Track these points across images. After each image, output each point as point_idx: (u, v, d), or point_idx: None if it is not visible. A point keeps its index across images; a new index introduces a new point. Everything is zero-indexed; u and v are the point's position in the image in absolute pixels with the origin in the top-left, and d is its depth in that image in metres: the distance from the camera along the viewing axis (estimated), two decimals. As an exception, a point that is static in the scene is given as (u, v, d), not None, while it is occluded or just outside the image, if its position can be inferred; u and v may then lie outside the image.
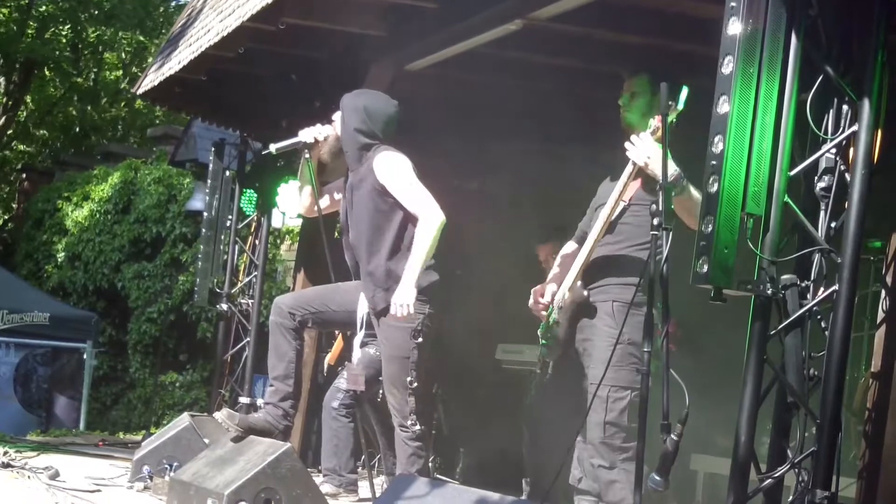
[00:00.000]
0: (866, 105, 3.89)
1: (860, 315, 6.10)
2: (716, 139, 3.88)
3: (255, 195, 10.65)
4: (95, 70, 25.64)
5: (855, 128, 3.93)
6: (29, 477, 6.87)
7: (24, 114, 24.47)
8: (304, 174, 5.94)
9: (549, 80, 8.17)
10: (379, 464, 7.25)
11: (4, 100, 22.58)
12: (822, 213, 4.01)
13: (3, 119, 22.19)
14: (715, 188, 3.84)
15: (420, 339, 5.53)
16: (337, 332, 6.77)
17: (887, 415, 4.30)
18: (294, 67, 8.98)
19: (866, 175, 3.87)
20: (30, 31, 21.22)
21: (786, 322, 3.97)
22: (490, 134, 9.00)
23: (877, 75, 3.90)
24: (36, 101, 24.62)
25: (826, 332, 3.92)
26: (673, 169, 4.73)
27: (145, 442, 7.36)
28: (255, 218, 10.97)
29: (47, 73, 23.59)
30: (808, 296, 3.99)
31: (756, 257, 3.92)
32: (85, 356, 14.24)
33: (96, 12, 23.03)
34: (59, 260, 16.94)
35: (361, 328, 5.78)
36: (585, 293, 5.06)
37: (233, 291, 10.89)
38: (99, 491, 6.54)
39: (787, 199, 3.97)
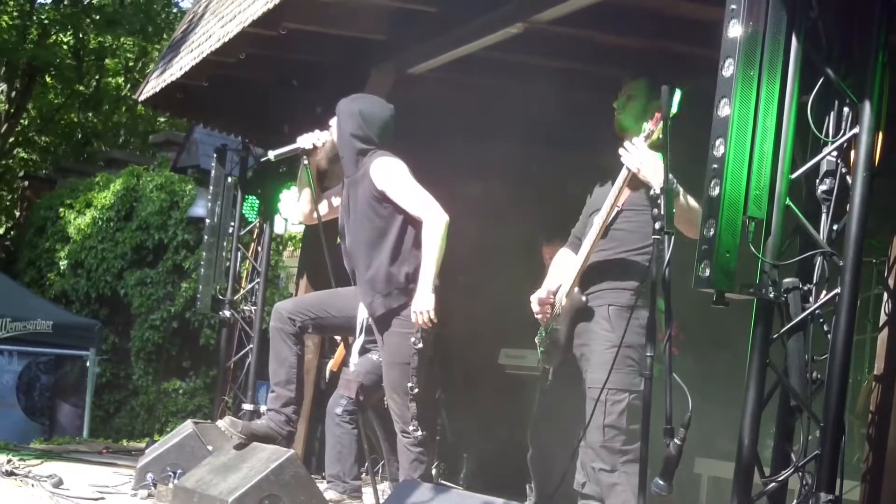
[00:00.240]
0: (867, 107, 3.89)
1: (863, 318, 6.09)
2: (717, 142, 3.88)
3: (258, 201, 10.64)
4: (97, 77, 25.66)
5: (856, 130, 3.93)
6: (32, 485, 6.86)
7: (27, 121, 24.49)
8: (302, 180, 5.94)
9: (551, 83, 8.16)
10: (383, 470, 7.24)
11: (6, 107, 22.60)
12: (823, 216, 4.01)
13: (5, 126, 22.21)
14: (716, 192, 3.84)
15: (420, 345, 5.53)
16: (338, 337, 6.77)
17: (890, 417, 4.29)
18: (295, 73, 8.98)
19: (867, 177, 3.87)
20: (31, 38, 21.24)
21: (788, 325, 3.96)
22: (491, 137, 9.00)
23: (878, 77, 3.89)
24: (38, 108, 24.64)
25: (828, 336, 3.91)
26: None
27: (149, 449, 7.36)
28: (258, 224, 10.97)
29: (49, 80, 23.61)
30: (811, 299, 3.98)
31: (758, 261, 3.92)
32: (88, 364, 14.25)
33: (98, 17, 23.05)
34: (62, 267, 16.95)
35: (360, 334, 5.78)
36: (584, 299, 5.06)
37: (235, 298, 10.88)
38: (103, 499, 6.55)
39: (788, 202, 3.96)
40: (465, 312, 9.06)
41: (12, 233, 22.10)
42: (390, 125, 5.74)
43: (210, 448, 6.52)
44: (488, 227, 9.27)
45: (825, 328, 3.95)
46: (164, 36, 22.62)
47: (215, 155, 10.87)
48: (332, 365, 7.45)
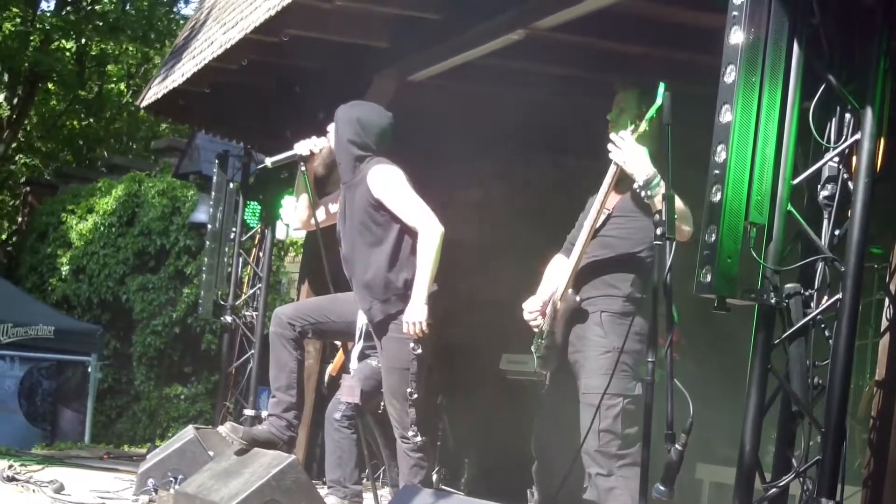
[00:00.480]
0: (869, 113, 3.89)
1: (864, 323, 6.08)
2: (718, 148, 3.88)
3: (259, 207, 10.66)
4: (99, 83, 25.67)
5: (858, 136, 3.93)
6: (34, 491, 6.88)
7: (29, 127, 24.50)
8: (300, 187, 5.95)
9: (551, 90, 8.18)
10: (383, 475, 7.24)
11: (9, 113, 22.62)
12: (825, 222, 4.01)
13: (8, 132, 22.22)
14: (718, 197, 3.84)
15: (420, 350, 5.53)
16: (339, 342, 6.78)
17: (892, 423, 4.28)
18: (297, 79, 8.99)
19: (869, 183, 3.87)
20: (34, 44, 21.26)
21: (790, 331, 3.96)
22: (492, 144, 9.01)
23: (879, 83, 3.90)
24: (40, 114, 24.65)
25: (830, 341, 3.91)
26: (650, 171, 4.77)
27: (150, 455, 7.37)
28: (259, 230, 10.98)
29: (51, 86, 23.62)
30: (812, 304, 3.98)
31: (759, 266, 3.92)
32: (90, 369, 14.26)
33: (100, 24, 23.07)
34: (64, 273, 16.94)
35: (360, 339, 5.79)
36: (578, 299, 5.07)
37: (237, 304, 10.89)
38: (104, 504, 6.57)
39: (790, 207, 3.97)
40: (467, 318, 9.06)
41: (14, 238, 22.10)
42: (388, 132, 5.74)
43: (211, 453, 6.53)
44: (489, 232, 9.28)
45: (826, 334, 3.96)
46: (167, 42, 22.64)
47: (217, 161, 10.89)
48: (331, 370, 7.45)
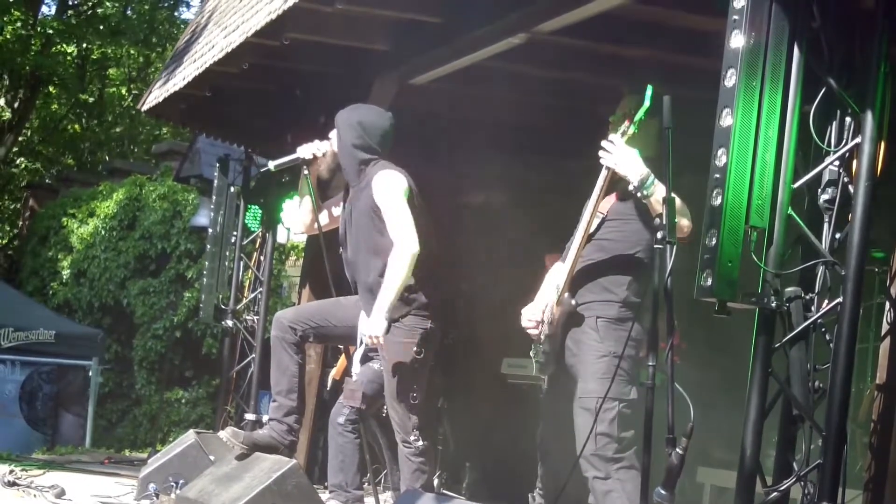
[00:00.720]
0: (869, 117, 3.89)
1: (865, 326, 6.08)
2: (719, 152, 3.88)
3: (260, 211, 10.66)
4: (100, 87, 25.68)
5: (858, 140, 3.93)
6: (35, 495, 6.88)
7: (30, 131, 24.51)
8: (303, 190, 5.95)
9: (553, 94, 8.18)
10: (385, 479, 7.24)
11: (10, 116, 22.62)
12: (825, 226, 4.01)
13: (9, 136, 22.23)
14: (718, 201, 3.84)
15: (421, 355, 5.53)
16: (340, 346, 6.78)
17: (893, 426, 4.29)
18: (298, 83, 9.00)
19: (870, 187, 3.87)
20: (34, 48, 21.27)
21: (790, 335, 3.97)
22: (494, 148, 9.01)
23: (879, 87, 3.90)
24: (41, 118, 24.66)
25: (831, 345, 3.91)
26: (643, 171, 4.78)
27: (151, 459, 7.36)
28: (260, 234, 10.98)
29: (52, 90, 23.64)
30: (813, 308, 3.99)
31: (760, 270, 3.92)
32: (90, 373, 14.24)
33: (102, 28, 23.08)
34: (65, 277, 16.94)
35: (361, 343, 5.78)
36: (574, 303, 5.08)
37: (238, 307, 10.89)
38: (104, 508, 6.57)
39: (790, 211, 3.97)
40: (467, 322, 9.07)
41: (15, 242, 22.11)
42: (390, 133, 5.74)
43: (212, 458, 6.52)
44: (490, 236, 9.28)
45: (827, 337, 3.96)
46: (167, 46, 22.67)
47: (218, 165, 10.89)
48: (334, 374, 7.45)
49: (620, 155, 4.87)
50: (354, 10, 7.02)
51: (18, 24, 20.10)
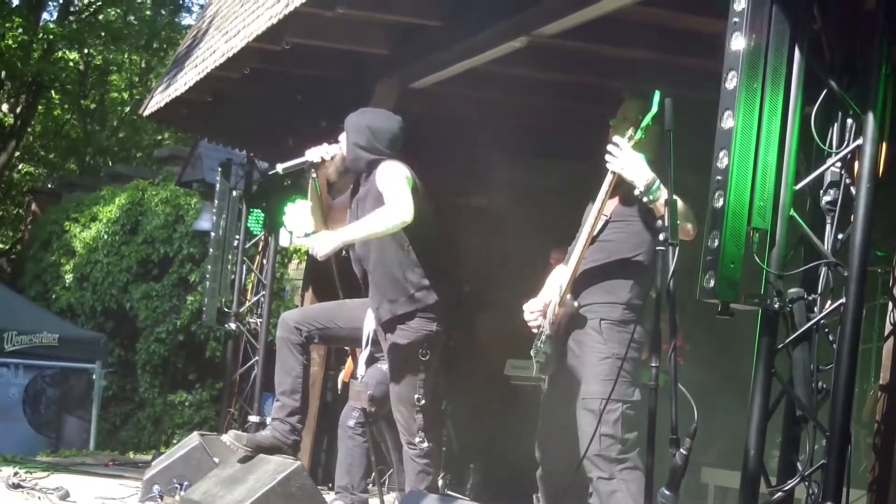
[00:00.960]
0: (871, 118, 3.90)
1: (868, 327, 6.09)
2: (721, 154, 3.89)
3: (262, 215, 10.67)
4: (102, 91, 25.70)
5: (860, 141, 3.93)
6: (39, 497, 6.89)
7: (32, 136, 24.53)
8: (311, 194, 5.95)
9: (555, 97, 8.19)
10: (390, 480, 7.25)
11: (12, 121, 22.64)
12: (828, 227, 4.01)
13: (12, 142, 22.25)
14: (720, 203, 3.85)
15: (427, 357, 5.54)
16: (346, 348, 6.79)
17: (896, 427, 4.29)
18: (300, 87, 9.01)
19: (871, 188, 3.87)
20: (36, 54, 21.29)
21: (793, 335, 3.97)
22: (496, 151, 9.02)
23: (881, 88, 3.90)
24: (44, 123, 24.68)
25: (834, 345, 3.92)
26: (649, 176, 4.80)
27: (155, 461, 7.38)
28: (263, 237, 10.99)
29: (54, 95, 23.66)
30: (816, 309, 3.99)
31: (763, 271, 3.93)
32: (94, 377, 14.26)
33: (103, 33, 23.11)
34: (68, 281, 16.96)
35: (367, 345, 5.79)
36: (576, 304, 5.09)
37: (241, 311, 10.91)
38: (109, 511, 6.58)
39: (792, 212, 3.97)
40: (471, 323, 9.08)
41: (18, 247, 22.13)
42: (399, 136, 5.75)
43: (216, 460, 6.54)
44: (493, 238, 9.30)
45: (830, 338, 3.96)
46: (169, 52, 22.68)
47: (220, 169, 10.91)
48: (343, 376, 7.46)
49: (627, 159, 4.89)
50: (355, 15, 7.03)
51: (20, 30, 20.12)
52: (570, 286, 5.13)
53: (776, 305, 3.94)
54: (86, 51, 23.61)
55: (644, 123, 4.88)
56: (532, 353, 5.32)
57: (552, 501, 5.39)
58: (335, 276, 5.90)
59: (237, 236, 10.84)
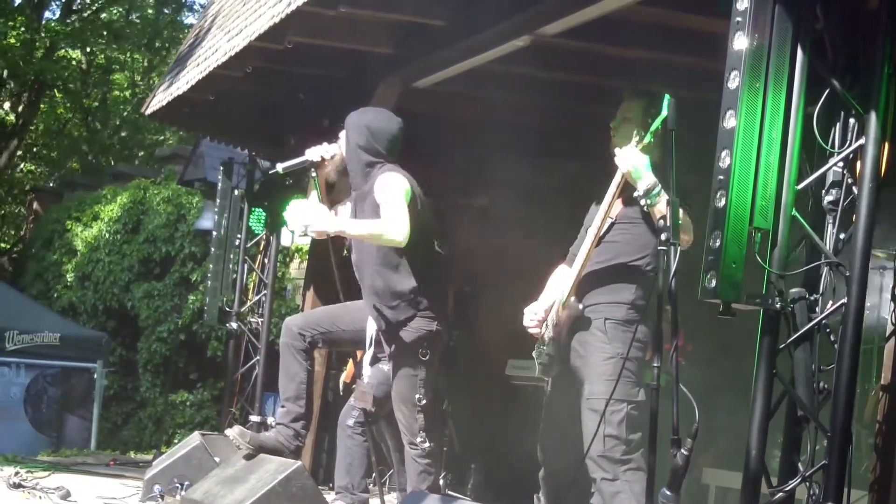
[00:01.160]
0: (873, 118, 3.89)
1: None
2: (723, 154, 3.88)
3: (264, 214, 10.67)
4: (104, 90, 25.71)
5: (862, 141, 3.93)
6: (40, 497, 6.88)
7: (34, 135, 24.54)
8: (311, 193, 5.95)
9: (557, 96, 8.18)
10: (391, 480, 7.25)
11: (14, 120, 22.65)
12: (829, 227, 4.01)
13: (14, 140, 22.26)
14: (722, 203, 3.84)
15: (427, 357, 5.54)
16: (358, 352, 6.78)
17: (898, 427, 4.29)
18: (302, 86, 9.01)
19: (873, 188, 3.87)
20: (38, 53, 21.29)
21: (795, 336, 3.96)
22: (498, 150, 9.02)
23: (883, 88, 3.90)
24: (46, 122, 24.69)
25: (835, 346, 3.91)
26: (650, 180, 4.80)
27: (156, 461, 7.37)
28: (264, 237, 10.98)
29: (57, 94, 23.66)
30: (817, 309, 3.99)
31: (764, 271, 3.93)
32: (95, 376, 14.25)
33: (105, 32, 23.11)
34: (69, 280, 16.95)
35: (370, 346, 5.79)
36: (581, 307, 5.09)
37: (242, 310, 10.90)
38: (110, 510, 6.57)
39: (794, 212, 3.97)
40: (472, 323, 9.07)
41: (19, 246, 22.13)
42: (398, 138, 5.75)
43: (217, 460, 6.54)
44: (494, 238, 9.29)
45: (832, 338, 3.96)
46: (171, 51, 22.69)
47: (222, 168, 10.90)
48: (344, 377, 7.45)
49: (635, 161, 4.89)
50: (357, 14, 7.03)
51: (22, 28, 20.13)
52: (575, 289, 5.13)
53: (778, 305, 3.94)
54: (88, 49, 23.60)
55: (653, 127, 4.87)
56: (534, 354, 5.32)
57: (554, 502, 5.39)
58: (335, 278, 5.89)
59: (239, 235, 10.82)
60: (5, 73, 21.89)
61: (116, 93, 26.24)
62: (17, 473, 7.66)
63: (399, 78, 7.87)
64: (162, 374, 15.06)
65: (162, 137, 24.54)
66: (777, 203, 3.92)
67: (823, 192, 4.03)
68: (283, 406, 5.95)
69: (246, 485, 5.64)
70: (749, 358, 4.04)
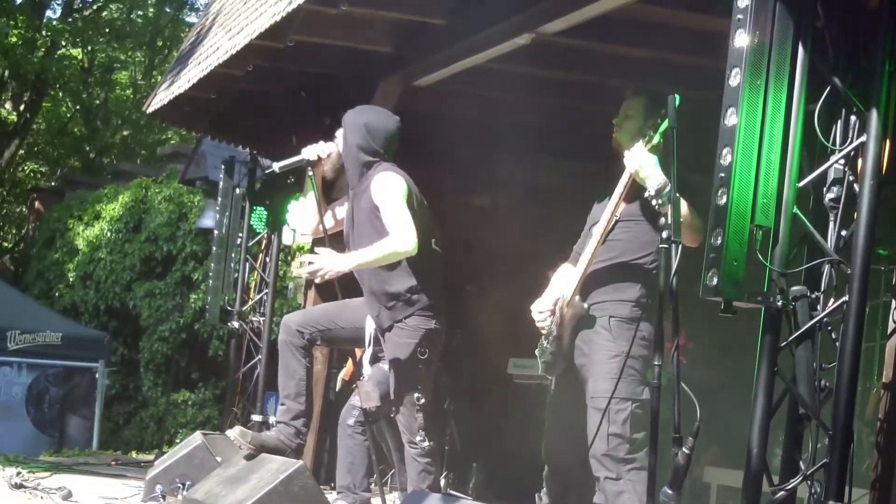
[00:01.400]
0: (874, 115, 3.89)
1: (871, 325, 6.08)
2: (724, 151, 3.88)
3: (266, 213, 10.66)
4: (106, 89, 25.71)
5: (863, 138, 3.92)
6: (42, 497, 6.88)
7: (36, 133, 24.55)
8: (307, 192, 5.94)
9: (558, 95, 8.18)
10: (392, 480, 7.24)
11: (15, 119, 22.66)
12: (831, 224, 4.00)
13: (15, 139, 22.26)
14: (724, 200, 3.84)
15: (425, 355, 5.54)
16: (357, 350, 6.78)
17: (900, 425, 4.28)
18: (303, 84, 9.00)
19: (875, 185, 3.86)
20: (39, 52, 21.30)
21: (796, 334, 3.96)
22: (499, 149, 9.02)
23: (884, 86, 3.89)
24: (48, 121, 24.70)
25: (837, 344, 3.91)
26: (661, 178, 4.80)
27: (158, 461, 7.37)
28: (266, 235, 10.98)
29: (59, 93, 23.67)
30: (819, 307, 3.98)
31: (766, 269, 3.92)
32: (97, 375, 14.27)
33: (107, 30, 23.11)
34: (71, 279, 16.97)
35: (370, 344, 5.78)
36: (586, 306, 5.08)
37: (244, 309, 10.89)
38: (112, 510, 6.57)
39: (795, 210, 3.96)
40: (474, 322, 9.07)
41: (21, 245, 22.14)
42: (396, 137, 5.74)
43: (219, 459, 6.53)
44: (495, 237, 9.29)
45: (833, 336, 3.95)
46: (172, 49, 22.69)
47: (223, 167, 10.89)
48: (343, 375, 7.45)
49: (643, 160, 4.89)
50: (359, 12, 7.03)
51: (23, 27, 20.14)
52: (579, 287, 5.12)
53: (779, 303, 3.93)
54: (89, 48, 23.60)
55: (662, 128, 4.86)
56: (537, 352, 5.32)
57: (557, 500, 5.38)
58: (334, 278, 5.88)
59: (240, 234, 10.81)
60: (7, 72, 21.90)
61: (118, 92, 26.25)
62: (18, 473, 7.65)
63: (400, 77, 7.87)
64: (164, 374, 15.07)
65: (164, 137, 24.54)
66: (778, 201, 3.92)
67: (825, 189, 4.02)
68: (282, 404, 5.94)
69: (248, 484, 5.64)
70: (750, 356, 4.03)
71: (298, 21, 6.99)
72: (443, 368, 5.87)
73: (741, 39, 3.89)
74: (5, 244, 23.52)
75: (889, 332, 4.44)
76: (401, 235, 5.34)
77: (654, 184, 4.85)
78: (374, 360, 5.97)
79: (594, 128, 6.17)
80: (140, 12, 25.15)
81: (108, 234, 16.38)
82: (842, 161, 3.99)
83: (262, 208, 10.71)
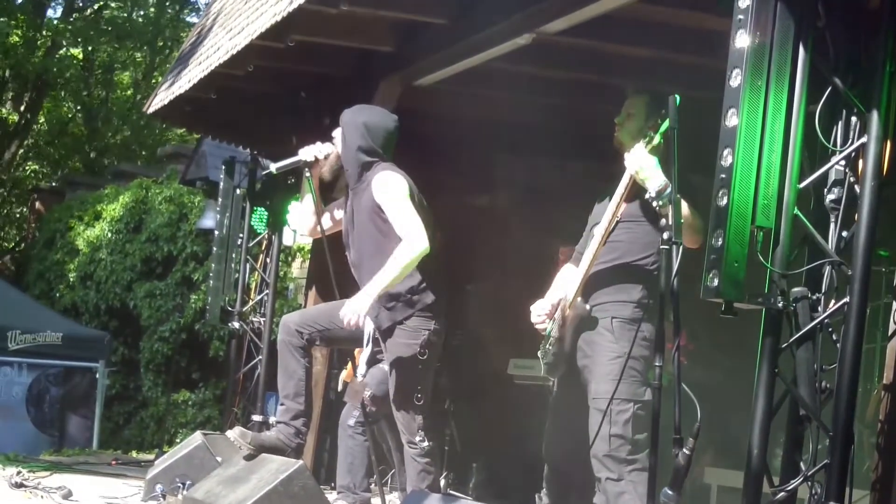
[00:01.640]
0: (875, 116, 3.88)
1: (872, 327, 6.08)
2: (724, 152, 3.88)
3: (266, 213, 10.66)
4: (106, 90, 25.71)
5: (864, 139, 3.92)
6: (42, 497, 6.88)
7: (37, 133, 24.55)
8: (305, 193, 5.94)
9: (558, 95, 8.18)
10: (392, 480, 7.24)
11: (16, 119, 22.65)
12: (832, 226, 4.00)
13: (16, 140, 22.26)
14: (724, 201, 3.84)
15: (425, 356, 5.53)
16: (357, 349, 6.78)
17: (900, 426, 4.28)
18: (303, 84, 9.00)
19: (876, 186, 3.86)
20: (40, 52, 21.31)
21: (797, 335, 3.96)
22: (499, 149, 9.02)
23: (885, 86, 3.89)
24: (49, 121, 24.70)
25: (838, 345, 3.90)
26: (662, 180, 4.79)
27: (158, 461, 7.37)
28: (266, 236, 10.97)
29: (60, 93, 23.67)
30: (819, 308, 3.98)
31: (767, 270, 3.92)
32: (97, 375, 14.26)
33: (109, 28, 23.11)
34: (71, 279, 16.97)
35: (368, 344, 5.78)
36: (588, 307, 5.08)
37: (244, 310, 10.89)
38: (112, 510, 6.57)
39: (796, 211, 3.96)
40: (474, 323, 9.07)
41: (22, 245, 22.14)
42: (394, 136, 5.73)
43: (219, 459, 6.53)
44: (497, 237, 9.29)
45: (834, 337, 3.95)
46: (174, 50, 22.68)
47: (224, 167, 10.88)
48: (345, 376, 7.44)
49: (644, 161, 4.87)
50: (359, 12, 7.03)
51: (24, 27, 20.15)
52: (581, 289, 5.12)
53: (780, 304, 3.93)
54: (90, 48, 23.60)
55: (663, 128, 4.85)
56: (539, 354, 5.31)
57: (558, 501, 5.38)
58: (331, 277, 5.88)
59: (241, 235, 10.80)
60: (7, 72, 21.90)
61: (119, 92, 26.25)
62: (18, 473, 7.65)
63: (400, 77, 7.87)
64: (164, 374, 15.07)
65: (165, 137, 24.54)
66: (779, 202, 3.91)
67: (825, 190, 4.02)
68: (282, 404, 5.93)
69: (248, 484, 5.63)
70: (751, 357, 4.03)
71: (299, 21, 6.99)
72: (443, 369, 5.87)
73: (742, 40, 3.88)
74: (6, 244, 23.51)
75: (890, 333, 4.44)
76: (411, 239, 5.35)
77: (654, 185, 4.84)
78: (373, 360, 5.97)
79: (595, 127, 6.17)
80: (141, 12, 25.14)
81: (109, 235, 16.38)
82: (842, 162, 3.99)
83: (263, 209, 10.71)
